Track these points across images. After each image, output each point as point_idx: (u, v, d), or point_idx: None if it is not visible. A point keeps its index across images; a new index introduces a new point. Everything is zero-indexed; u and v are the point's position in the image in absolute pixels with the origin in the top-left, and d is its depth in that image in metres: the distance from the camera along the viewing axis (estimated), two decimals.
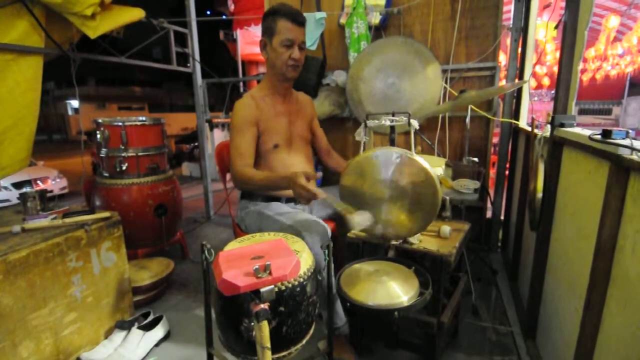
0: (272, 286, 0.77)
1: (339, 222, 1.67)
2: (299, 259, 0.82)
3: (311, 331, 1.04)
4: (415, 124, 1.28)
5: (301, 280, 0.94)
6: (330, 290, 1.16)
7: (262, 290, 0.75)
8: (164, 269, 2.03)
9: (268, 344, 0.79)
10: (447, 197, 1.56)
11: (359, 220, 1.14)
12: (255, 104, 1.53)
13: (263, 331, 0.78)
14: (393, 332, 1.42)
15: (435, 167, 1.61)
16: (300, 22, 1.47)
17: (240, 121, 1.49)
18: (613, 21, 5.43)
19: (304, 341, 1.00)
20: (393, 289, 1.10)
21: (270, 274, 0.76)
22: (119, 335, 1.55)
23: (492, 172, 2.63)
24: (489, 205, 2.39)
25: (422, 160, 1.14)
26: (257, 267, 0.75)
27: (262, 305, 0.75)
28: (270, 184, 1.41)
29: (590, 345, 0.95)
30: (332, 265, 1.11)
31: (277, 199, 1.58)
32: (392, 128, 1.34)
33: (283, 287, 0.91)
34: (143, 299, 1.90)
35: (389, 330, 1.43)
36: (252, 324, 0.80)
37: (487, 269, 2.20)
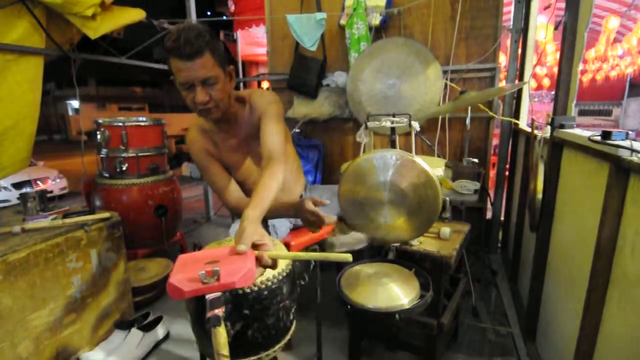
0: (220, 293, 0.73)
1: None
2: (252, 266, 0.76)
3: (287, 337, 1.01)
4: (416, 125, 1.27)
5: (269, 284, 0.92)
6: (317, 293, 1.13)
7: (207, 296, 0.72)
8: (163, 270, 2.03)
9: (224, 351, 0.76)
10: (447, 198, 1.56)
11: (344, 241, 1.13)
12: (207, 138, 1.32)
13: (217, 338, 0.74)
14: (393, 334, 1.42)
15: (435, 168, 1.60)
16: (190, 54, 1.00)
17: (198, 158, 1.33)
18: (613, 22, 5.44)
19: (276, 347, 0.98)
20: (394, 291, 1.09)
21: (218, 279, 0.72)
22: (118, 336, 1.55)
23: (492, 173, 2.63)
24: (489, 206, 2.39)
25: (423, 162, 1.14)
26: (203, 272, 0.72)
27: (215, 311, 0.73)
28: (275, 214, 1.29)
29: (590, 346, 0.95)
30: (318, 269, 1.09)
31: None
32: (393, 129, 1.33)
33: (248, 290, 0.89)
34: (143, 299, 1.90)
35: (389, 332, 1.43)
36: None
37: (487, 270, 2.20)
